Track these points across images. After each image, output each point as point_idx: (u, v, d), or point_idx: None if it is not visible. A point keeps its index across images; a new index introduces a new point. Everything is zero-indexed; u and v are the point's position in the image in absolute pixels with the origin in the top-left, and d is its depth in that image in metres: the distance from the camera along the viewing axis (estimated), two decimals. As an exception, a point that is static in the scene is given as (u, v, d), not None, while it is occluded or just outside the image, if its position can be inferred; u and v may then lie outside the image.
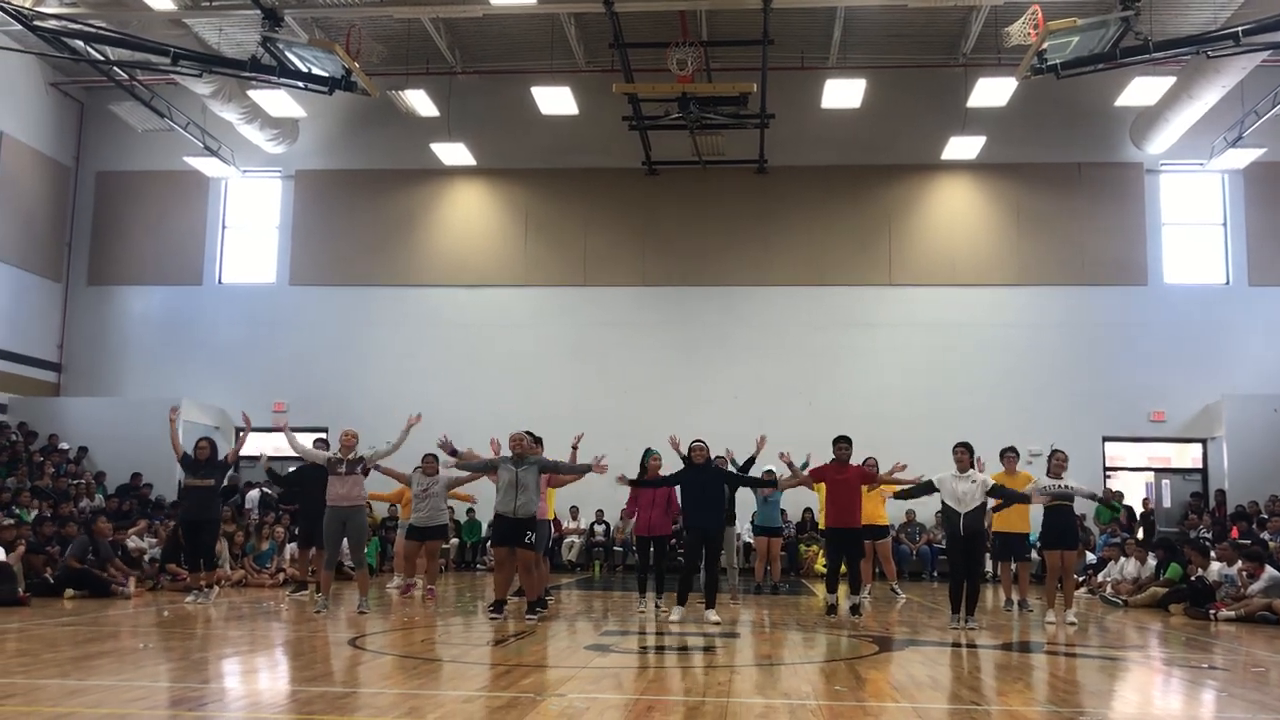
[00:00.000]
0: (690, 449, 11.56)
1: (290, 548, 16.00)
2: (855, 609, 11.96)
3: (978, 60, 20.81)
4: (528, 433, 11.64)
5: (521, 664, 7.96)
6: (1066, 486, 11.89)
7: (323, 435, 14.82)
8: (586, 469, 11.39)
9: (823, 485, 12.31)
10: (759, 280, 22.31)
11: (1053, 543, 11.95)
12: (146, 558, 15.50)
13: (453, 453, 12.00)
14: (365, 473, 11.90)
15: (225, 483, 12.92)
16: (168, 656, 8.25)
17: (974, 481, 10.91)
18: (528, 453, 11.23)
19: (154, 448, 20.90)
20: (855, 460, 12.40)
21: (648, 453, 12.68)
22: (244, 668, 7.99)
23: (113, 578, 13.60)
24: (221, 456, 13.33)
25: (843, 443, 12.10)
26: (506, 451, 11.40)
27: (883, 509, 14.09)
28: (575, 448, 12.36)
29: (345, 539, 11.82)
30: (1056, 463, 11.99)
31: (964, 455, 11.04)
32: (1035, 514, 12.69)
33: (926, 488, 11.34)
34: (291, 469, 14.31)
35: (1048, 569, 12.33)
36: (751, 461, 13.86)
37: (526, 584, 11.56)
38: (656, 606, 12.08)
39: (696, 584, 11.80)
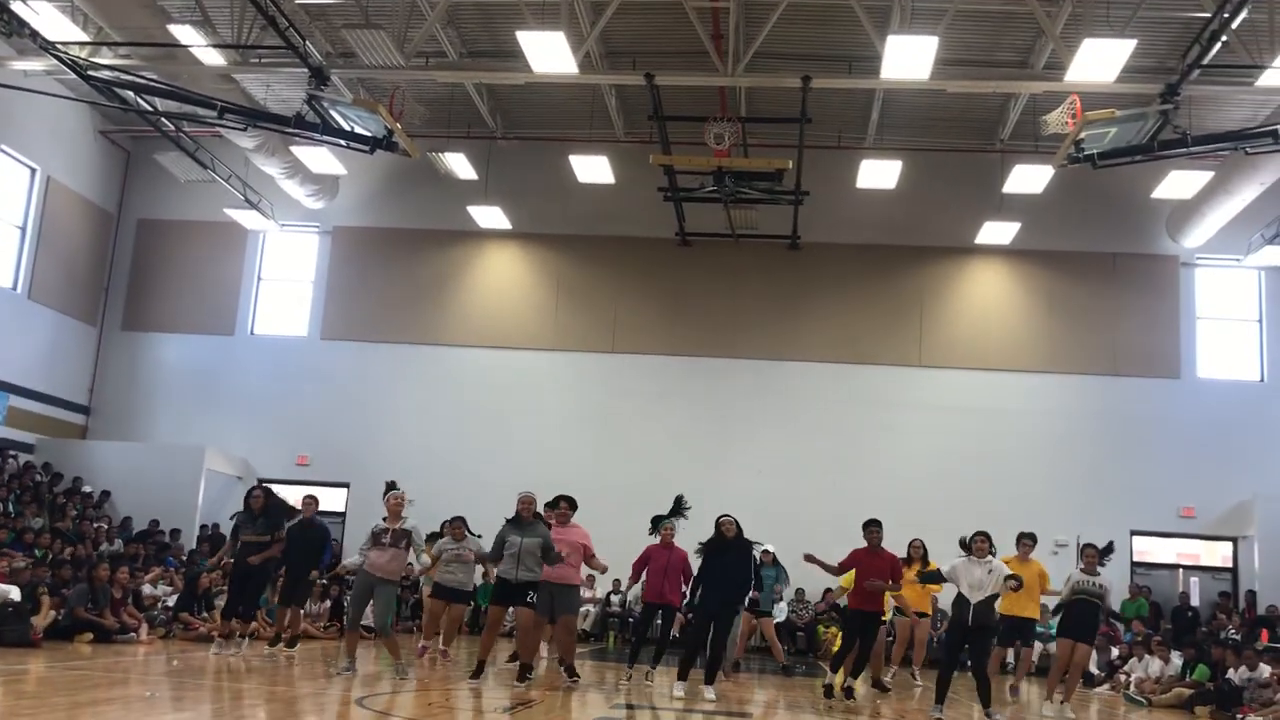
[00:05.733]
0: (719, 523, 11.15)
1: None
2: (850, 692, 11.49)
3: (1015, 146, 20.85)
4: (563, 497, 11.46)
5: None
6: (1100, 586, 11.69)
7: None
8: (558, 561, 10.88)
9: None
10: (787, 355, 22.24)
11: (1069, 632, 11.80)
12: (160, 605, 15.43)
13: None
14: (407, 548, 10.97)
15: (281, 533, 12.49)
16: (174, 706, 8.17)
17: (990, 571, 10.75)
18: (534, 518, 10.85)
19: (175, 494, 21.07)
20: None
21: (665, 518, 12.15)
22: (249, 723, 7.89)
23: (117, 625, 13.51)
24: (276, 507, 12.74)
25: (874, 526, 11.64)
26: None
27: (927, 596, 13.83)
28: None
29: (372, 604, 11.16)
30: (1089, 559, 11.79)
31: (983, 544, 10.88)
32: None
33: (936, 576, 11.33)
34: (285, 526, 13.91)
35: (1057, 658, 12.13)
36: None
37: (523, 646, 11.26)
38: (647, 677, 11.90)
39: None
